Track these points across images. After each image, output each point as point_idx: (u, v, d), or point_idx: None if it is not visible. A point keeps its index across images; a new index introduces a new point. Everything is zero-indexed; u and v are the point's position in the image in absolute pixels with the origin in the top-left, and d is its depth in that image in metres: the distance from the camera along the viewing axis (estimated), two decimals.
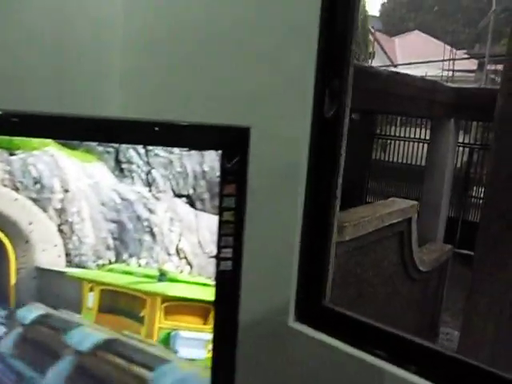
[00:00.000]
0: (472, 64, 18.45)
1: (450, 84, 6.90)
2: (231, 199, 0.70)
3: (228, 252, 0.72)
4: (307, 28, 1.01)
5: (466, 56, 20.39)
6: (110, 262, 0.74)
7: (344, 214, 3.13)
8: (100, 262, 0.74)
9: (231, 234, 0.71)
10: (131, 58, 1.26)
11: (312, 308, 1.10)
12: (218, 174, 0.69)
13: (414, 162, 8.71)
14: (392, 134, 8.96)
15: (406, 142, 8.84)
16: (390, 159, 9.14)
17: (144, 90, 1.26)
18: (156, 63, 1.24)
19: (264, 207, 1.08)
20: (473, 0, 28.37)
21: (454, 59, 11.09)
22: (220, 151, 0.69)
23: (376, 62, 21.29)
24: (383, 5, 36.05)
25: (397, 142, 8.93)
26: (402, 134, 8.86)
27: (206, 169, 0.70)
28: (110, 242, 0.73)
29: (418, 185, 8.07)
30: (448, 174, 5.82)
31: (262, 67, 1.07)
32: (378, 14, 35.36)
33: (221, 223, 0.71)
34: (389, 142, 9.09)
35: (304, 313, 1.10)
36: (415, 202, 3.84)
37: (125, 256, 0.73)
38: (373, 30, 23.52)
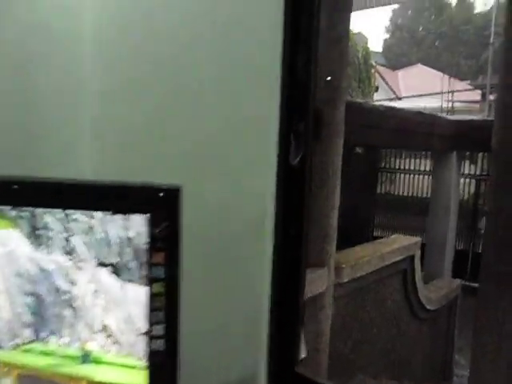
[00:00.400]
0: (477, 95, 18.62)
1: (450, 116, 6.86)
2: (161, 269, 0.61)
3: (160, 329, 0.62)
4: (268, 71, 0.95)
5: (469, 87, 20.57)
6: (28, 342, 0.65)
7: (342, 255, 3.01)
8: (16, 341, 0.65)
9: (163, 308, 0.62)
10: (101, 111, 1.20)
11: (284, 376, 0.98)
12: (145, 240, 0.61)
13: (420, 194, 8.62)
14: (397, 166, 8.88)
15: (412, 175, 8.74)
16: (396, 192, 9.05)
17: (115, 146, 1.19)
18: (124, 116, 1.18)
19: (229, 268, 0.98)
20: (473, 34, 28.93)
21: (453, 91, 11.11)
22: (147, 215, 0.60)
23: (380, 96, 21.52)
24: (385, 41, 36.89)
25: (402, 174, 8.83)
26: (407, 167, 8.77)
27: (132, 235, 0.61)
28: (27, 317, 0.64)
29: (426, 217, 7.95)
30: (453, 206, 5.68)
31: (225, 114, 1.00)
32: (380, 50, 36.18)
33: (150, 296, 0.62)
34: (394, 175, 9.00)
35: (276, 381, 0.99)
36: (418, 239, 3.71)
37: (44, 334, 0.64)
38: (375, 65, 23.94)
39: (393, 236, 3.83)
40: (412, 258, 3.61)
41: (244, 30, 0.97)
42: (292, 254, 0.97)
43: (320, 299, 2.61)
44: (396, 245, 3.43)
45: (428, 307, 3.95)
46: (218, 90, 0.99)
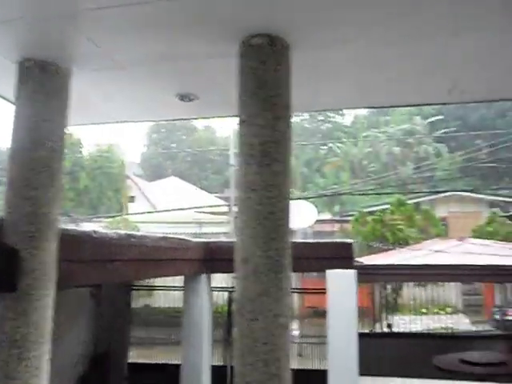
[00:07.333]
0: (226, 206, 20.53)
1: (197, 238, 6.94)
2: None
3: None
4: None
5: (217, 199, 22.62)
6: None
7: None
8: None
9: None
10: None
11: None
12: None
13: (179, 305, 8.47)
14: (151, 283, 8.51)
15: (165, 291, 8.49)
16: (155, 306, 8.69)
17: None
18: None
19: None
20: (218, 154, 33.16)
21: (205, 206, 11.81)
22: None
23: (138, 206, 21.51)
24: (143, 153, 38.55)
25: (156, 291, 8.50)
26: (162, 283, 8.49)
27: None
28: None
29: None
30: (206, 325, 5.39)
31: None
32: (138, 161, 37.47)
33: None
34: (148, 292, 8.59)
35: None
36: None
37: None
38: (132, 176, 24.26)
39: None
40: None
41: None
42: None
43: None
44: None
45: None
46: None
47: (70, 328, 5.45)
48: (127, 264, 3.08)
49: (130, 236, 3.12)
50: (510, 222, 14.79)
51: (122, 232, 3.07)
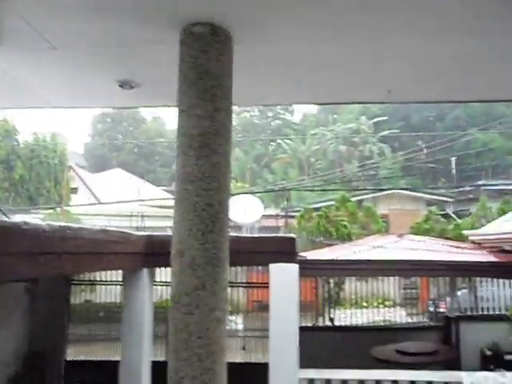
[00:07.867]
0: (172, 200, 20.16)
1: (139, 231, 6.78)
2: None
3: None
4: None
5: (164, 192, 22.26)
6: None
7: None
8: None
9: None
10: None
11: None
12: None
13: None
14: (92, 278, 8.24)
15: (108, 286, 8.27)
16: (97, 301, 8.47)
17: None
18: None
19: None
20: (166, 146, 32.58)
21: (152, 199, 11.56)
22: None
23: (81, 198, 20.70)
24: (86, 144, 37.07)
25: (98, 286, 8.26)
26: (104, 278, 8.25)
27: None
28: None
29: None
30: (147, 321, 5.27)
31: None
32: (82, 152, 35.99)
33: None
34: (91, 287, 8.34)
35: None
36: None
37: None
38: (74, 167, 23.29)
39: None
40: None
41: None
42: None
43: None
44: None
45: None
46: None
47: (1, 325, 5.14)
48: (62, 257, 2.94)
49: (65, 228, 2.97)
50: (443, 219, 15.65)
51: (56, 224, 2.93)
